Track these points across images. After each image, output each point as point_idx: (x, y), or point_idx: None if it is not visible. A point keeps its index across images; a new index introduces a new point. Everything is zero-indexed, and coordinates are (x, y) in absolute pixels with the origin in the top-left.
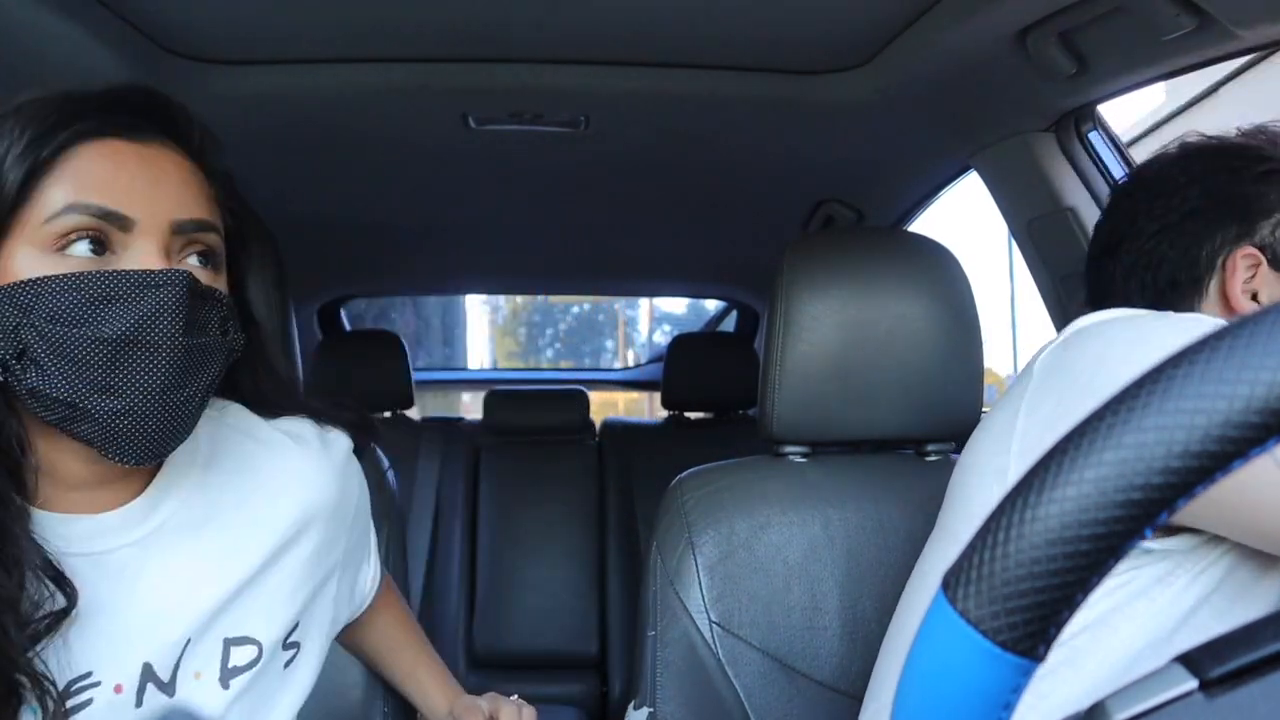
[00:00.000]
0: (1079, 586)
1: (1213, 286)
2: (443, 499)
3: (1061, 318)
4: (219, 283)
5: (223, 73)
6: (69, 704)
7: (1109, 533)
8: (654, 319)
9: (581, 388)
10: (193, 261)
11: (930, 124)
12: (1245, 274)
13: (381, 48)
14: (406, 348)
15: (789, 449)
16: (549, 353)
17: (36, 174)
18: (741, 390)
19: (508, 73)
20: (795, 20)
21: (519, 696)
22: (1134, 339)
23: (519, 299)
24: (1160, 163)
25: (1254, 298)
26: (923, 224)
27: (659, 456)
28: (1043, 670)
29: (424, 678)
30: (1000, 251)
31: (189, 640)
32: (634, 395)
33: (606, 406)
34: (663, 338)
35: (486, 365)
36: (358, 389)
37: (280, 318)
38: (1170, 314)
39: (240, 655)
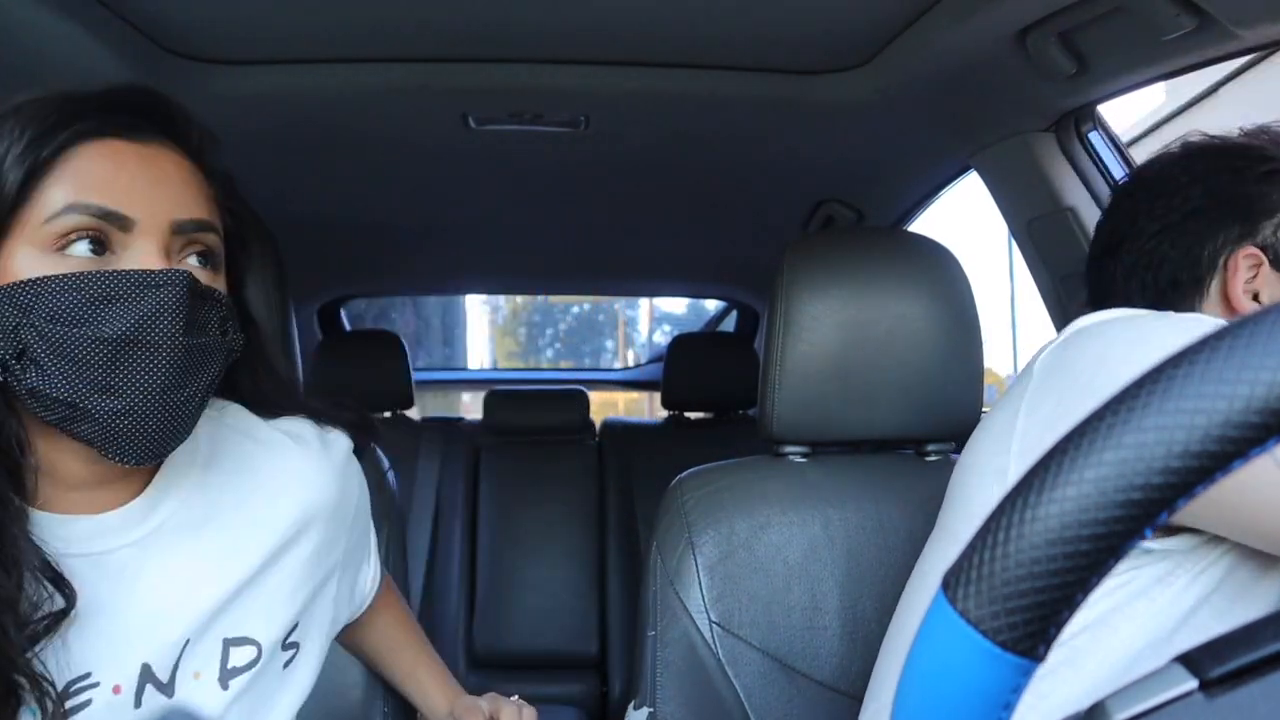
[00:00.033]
0: (1079, 586)
1: (1214, 286)
2: (443, 499)
3: (1061, 318)
4: (218, 283)
5: (223, 73)
6: (68, 705)
7: (1109, 533)
8: (654, 319)
9: (581, 388)
10: (192, 261)
11: (930, 124)
12: (1247, 274)
13: (381, 48)
14: (406, 348)
15: (789, 449)
16: (549, 353)
17: (36, 174)
18: (741, 390)
19: (508, 73)
20: (795, 20)
21: (519, 696)
22: (1134, 339)
23: (519, 299)
24: (1162, 162)
25: (1255, 298)
26: (923, 224)
27: (659, 456)
28: (1043, 670)
29: (424, 678)
30: (1000, 251)
31: (188, 640)
32: (634, 395)
33: (606, 406)
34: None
35: (486, 365)
36: (358, 389)
37: (280, 318)
38: (1170, 314)
39: (239, 655)
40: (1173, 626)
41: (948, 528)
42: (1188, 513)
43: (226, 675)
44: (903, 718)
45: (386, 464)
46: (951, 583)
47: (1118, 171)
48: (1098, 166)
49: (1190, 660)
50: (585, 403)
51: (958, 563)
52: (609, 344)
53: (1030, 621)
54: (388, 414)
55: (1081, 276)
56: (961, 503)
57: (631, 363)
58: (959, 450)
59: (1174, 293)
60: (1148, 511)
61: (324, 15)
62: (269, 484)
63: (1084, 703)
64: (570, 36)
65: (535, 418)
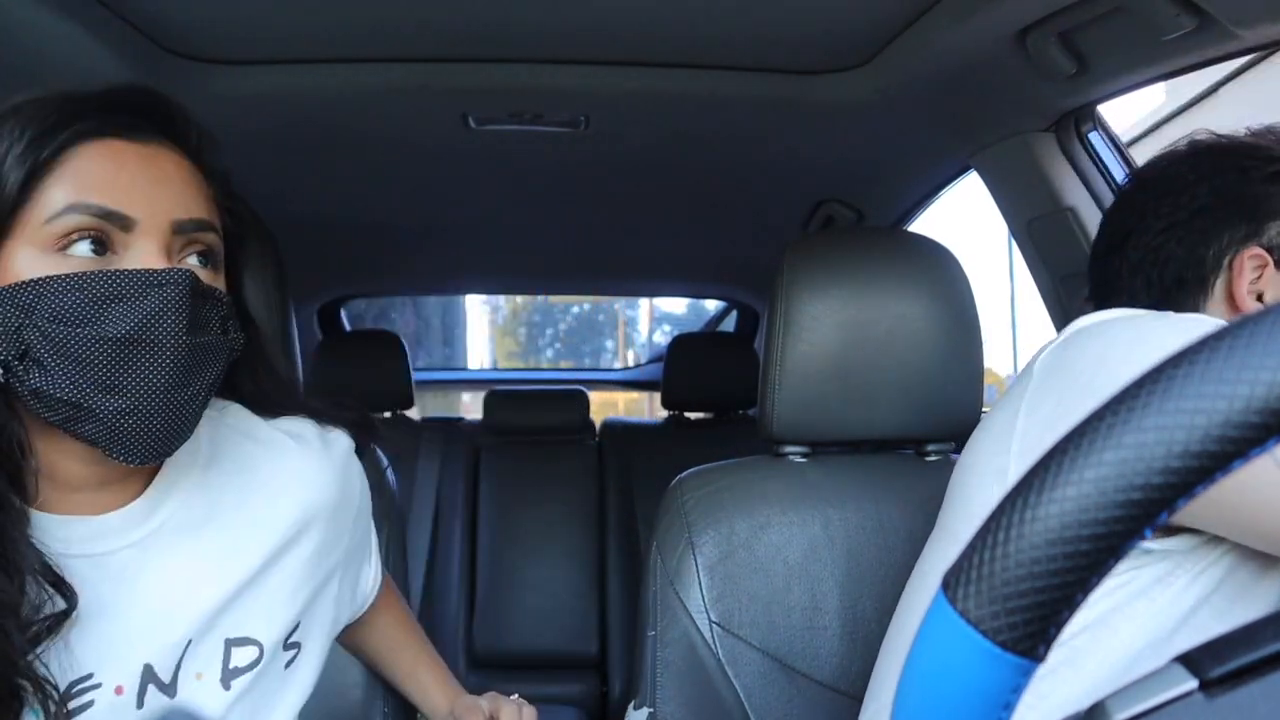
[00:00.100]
0: (1079, 587)
1: (1219, 286)
2: (443, 499)
3: (1061, 318)
4: (218, 282)
5: (223, 73)
6: (70, 706)
7: (1109, 533)
8: (654, 319)
9: (581, 388)
10: (193, 261)
11: (930, 124)
12: (1252, 274)
13: (381, 48)
14: (406, 348)
15: (789, 449)
16: (549, 353)
17: (37, 174)
18: (741, 390)
19: (508, 73)
20: (795, 20)
21: (519, 696)
22: (1134, 339)
23: (519, 299)
24: (1169, 160)
25: (1259, 298)
26: (923, 224)
27: (659, 456)
28: (1043, 670)
29: (424, 677)
30: (1000, 251)
31: (190, 641)
32: (634, 395)
33: (606, 406)
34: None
35: (486, 365)
36: (358, 389)
37: (280, 318)
38: (1170, 314)
39: (241, 656)
40: (1173, 627)
41: (948, 528)
42: (1188, 513)
43: (228, 675)
44: (903, 717)
45: (386, 464)
46: (951, 583)
47: (1118, 171)
48: (1098, 166)
49: (1190, 660)
50: (585, 403)
51: (958, 563)
52: (609, 344)
53: (1030, 621)
54: (388, 414)
55: (1082, 276)
56: (961, 503)
57: (631, 363)
58: (959, 450)
59: (1179, 291)
60: (1148, 511)
61: (324, 15)
62: (270, 484)
63: (1084, 703)
64: (570, 36)
65: (535, 418)
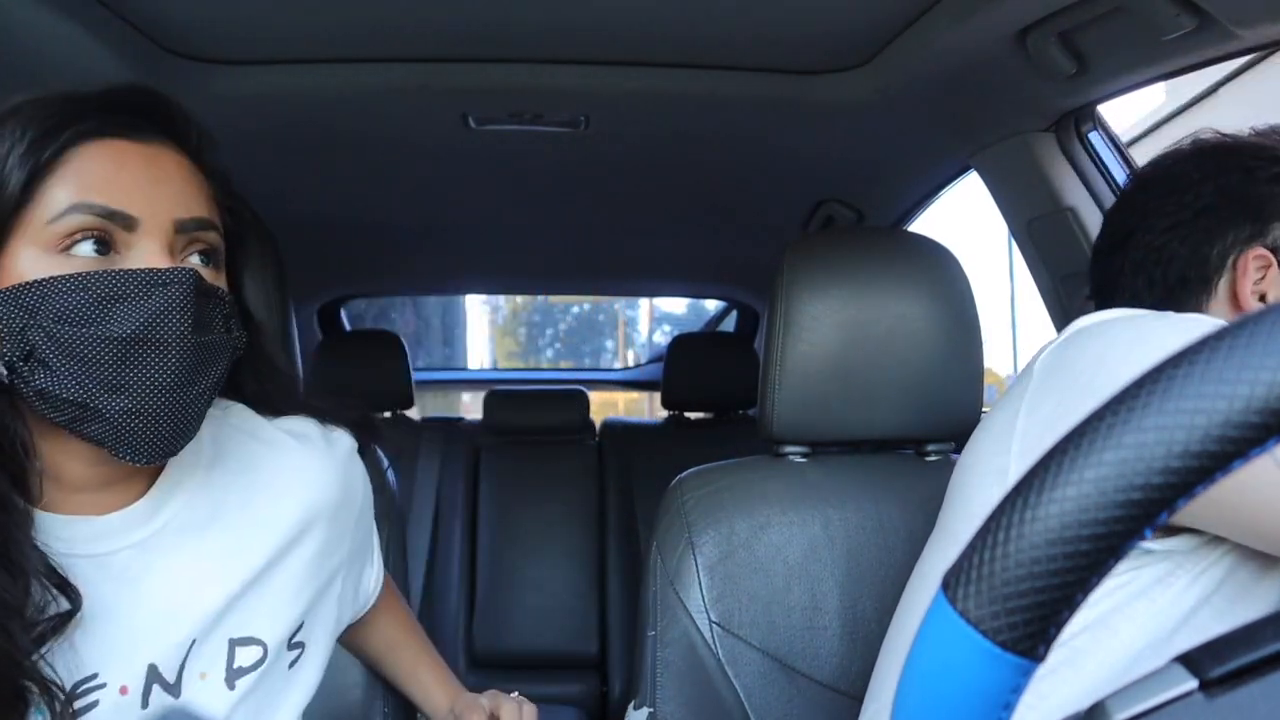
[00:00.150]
0: (1079, 587)
1: (1222, 286)
2: (443, 499)
3: (1061, 318)
4: (220, 281)
5: (223, 73)
6: (75, 706)
7: (1109, 533)
8: (654, 319)
9: (581, 388)
10: (195, 260)
11: (930, 124)
12: (1255, 275)
13: (381, 48)
14: (406, 348)
15: (789, 449)
16: (549, 353)
17: (39, 175)
18: (741, 390)
19: (508, 73)
20: (795, 20)
21: (519, 694)
22: (1134, 339)
23: (519, 299)
24: (1174, 159)
25: (1262, 299)
26: (923, 224)
27: (659, 456)
28: (1043, 670)
29: (425, 677)
30: (1000, 251)
31: (194, 641)
32: (634, 395)
33: (606, 406)
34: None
35: (486, 365)
36: (358, 389)
37: (280, 318)
38: (1170, 314)
39: (245, 656)
40: (1173, 627)
41: (948, 528)
42: (1188, 513)
43: (232, 675)
44: (902, 718)
45: (386, 464)
46: (951, 583)
47: (1118, 172)
48: (1098, 166)
49: (1190, 660)
50: (585, 403)
51: (958, 563)
52: (609, 344)
53: (1030, 622)
54: (388, 414)
55: (1082, 276)
56: (961, 503)
57: (631, 363)
58: (959, 450)
59: (1182, 290)
60: (1148, 512)
61: (324, 15)
62: (273, 483)
63: (1084, 703)
64: (570, 36)
65: (535, 418)
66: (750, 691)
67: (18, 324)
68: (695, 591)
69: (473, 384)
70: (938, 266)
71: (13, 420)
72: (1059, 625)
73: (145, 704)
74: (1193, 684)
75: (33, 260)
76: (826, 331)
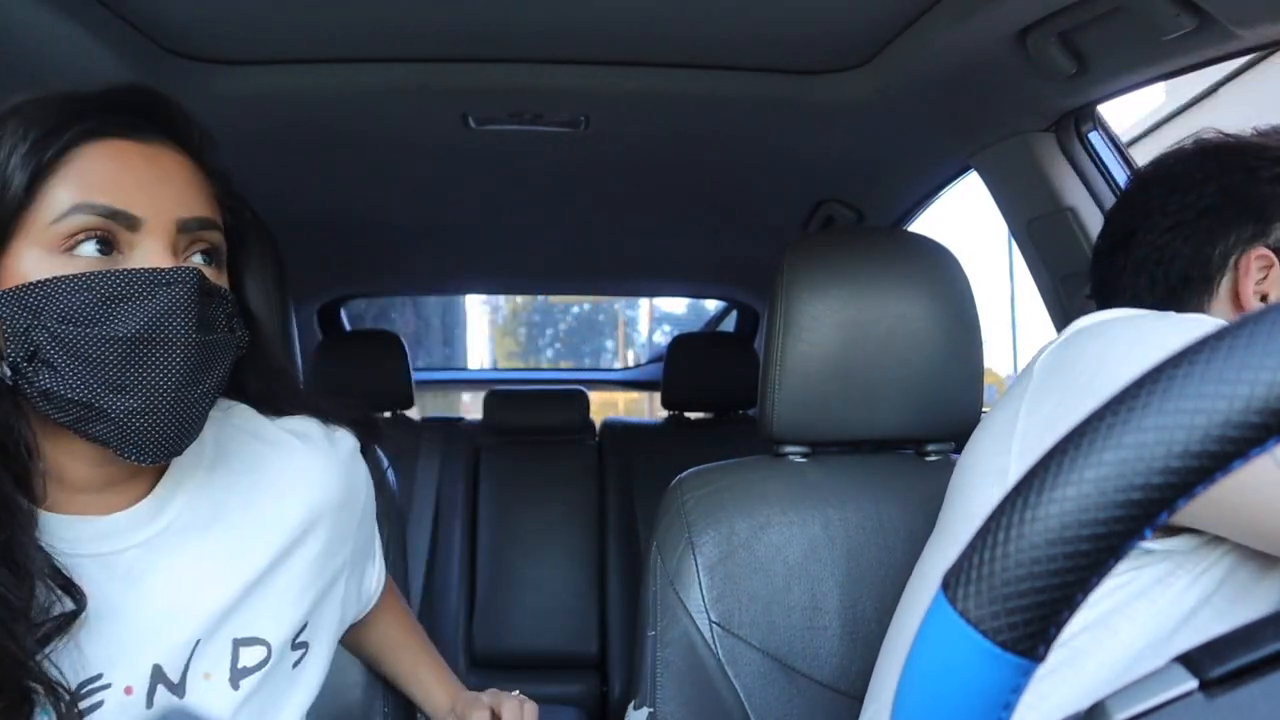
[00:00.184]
0: (1079, 587)
1: (1224, 286)
2: (443, 499)
3: (1061, 318)
4: (221, 280)
5: (223, 73)
6: (80, 706)
7: (1109, 533)
8: (654, 319)
9: (581, 388)
10: (197, 260)
11: (930, 124)
12: (1258, 275)
13: (381, 48)
14: (406, 348)
15: (789, 449)
16: (549, 353)
17: (41, 175)
18: (741, 390)
19: (508, 73)
20: (795, 20)
21: (520, 693)
22: (1134, 339)
23: (519, 299)
24: (1176, 159)
25: (1264, 299)
26: (923, 224)
27: (659, 456)
28: (1043, 670)
29: (426, 676)
30: (1000, 251)
31: (198, 641)
32: (634, 395)
33: (606, 406)
34: (663, 338)
35: (486, 365)
36: (358, 389)
37: (280, 318)
38: (1171, 314)
39: (249, 656)
40: (1173, 627)
41: (948, 528)
42: (1188, 513)
43: (237, 675)
44: (902, 718)
45: (386, 464)
46: (951, 583)
47: (1118, 172)
48: (1098, 166)
49: (1190, 660)
50: (585, 403)
51: (958, 563)
52: (609, 344)
53: (1030, 622)
54: (388, 414)
55: (1082, 276)
56: (961, 503)
57: (631, 363)
58: (959, 450)
59: (1184, 290)
60: (1148, 512)
61: (324, 15)
62: (276, 483)
63: (1084, 703)
64: (570, 36)
65: (535, 418)
66: (750, 691)
67: (21, 324)
68: (695, 591)
69: (473, 384)
70: (938, 266)
71: (16, 421)
72: (1059, 625)
73: (150, 704)
74: (1193, 684)
75: (36, 261)
76: (826, 331)
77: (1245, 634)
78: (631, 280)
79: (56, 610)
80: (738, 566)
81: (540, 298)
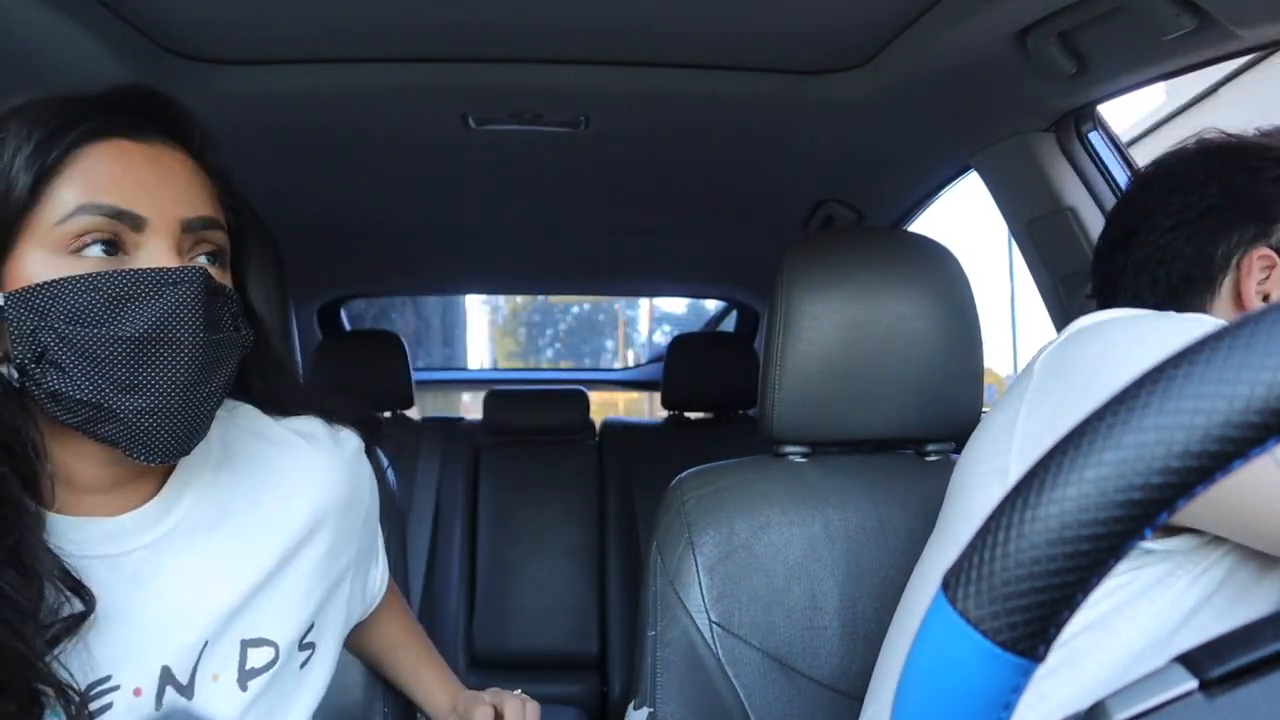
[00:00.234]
0: (1079, 587)
1: (1226, 286)
2: (443, 499)
3: (1061, 318)
4: (226, 280)
5: (223, 73)
6: (90, 708)
7: (1109, 533)
8: (654, 319)
9: (581, 388)
10: (202, 259)
11: (930, 124)
12: (1260, 275)
13: (381, 48)
14: (406, 348)
15: (789, 449)
16: (549, 353)
17: (45, 176)
18: (741, 390)
19: (508, 73)
20: (795, 20)
21: (522, 692)
22: (1134, 339)
23: (519, 299)
24: (1179, 158)
25: (1266, 299)
26: (923, 224)
27: (659, 456)
28: (1043, 670)
29: (426, 676)
30: (1000, 251)
31: (206, 642)
32: (634, 395)
33: (606, 406)
34: (663, 338)
35: (486, 365)
36: (358, 389)
37: (280, 318)
38: (1171, 314)
39: (257, 657)
40: (1173, 627)
41: (948, 528)
42: (1188, 513)
43: (245, 676)
44: (902, 717)
45: (386, 464)
46: (951, 583)
47: (1118, 172)
48: (1098, 166)
49: (1190, 660)
50: (585, 403)
51: (958, 563)
52: (609, 344)
53: (1030, 621)
54: (388, 414)
55: (1082, 276)
56: (961, 503)
57: (631, 363)
58: (959, 450)
59: (1186, 290)
60: (1148, 512)
61: (324, 15)
62: (282, 484)
63: (1084, 703)
64: (570, 36)
65: (535, 418)
66: (750, 691)
67: (29, 326)
68: (695, 591)
69: (473, 384)
70: (938, 266)
71: (24, 423)
72: (1059, 625)
73: (159, 705)
74: (1193, 684)
75: (42, 262)
76: (826, 331)
77: (1245, 634)
78: (631, 280)
79: (65, 612)
80: (738, 566)
81: (540, 298)
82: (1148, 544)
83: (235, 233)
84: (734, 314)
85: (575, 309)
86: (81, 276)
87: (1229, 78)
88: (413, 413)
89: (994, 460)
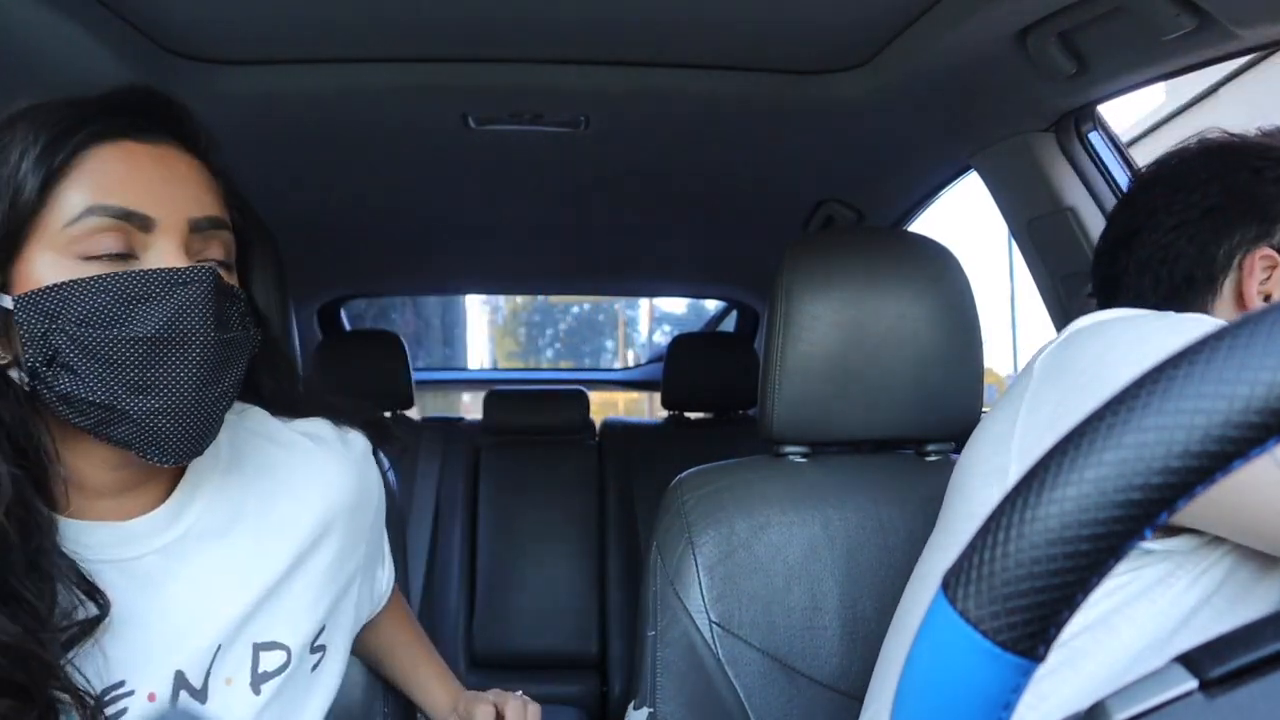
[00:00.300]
0: (1079, 587)
1: (1228, 286)
2: (443, 499)
3: (1061, 318)
4: (233, 279)
5: (224, 73)
6: (105, 713)
7: (1109, 533)
8: (654, 319)
9: (581, 388)
10: (210, 259)
11: (930, 124)
12: (1262, 275)
13: (381, 47)
14: (406, 348)
15: (789, 449)
16: (549, 353)
17: (53, 179)
18: (741, 390)
19: (508, 73)
20: (795, 20)
21: (523, 693)
22: (1134, 339)
23: (519, 299)
24: (1180, 158)
25: (1268, 299)
26: (923, 224)
27: (659, 456)
28: (1043, 670)
29: (427, 677)
30: (1000, 251)
31: (219, 646)
32: (634, 395)
33: (606, 406)
34: (663, 338)
35: (486, 365)
36: (358, 389)
37: (280, 318)
38: (1171, 314)
39: (270, 660)
40: (1173, 628)
41: (948, 528)
42: (1188, 513)
43: (258, 680)
44: (902, 717)
45: (386, 464)
46: (951, 583)
47: (1118, 172)
48: (1098, 166)
49: (1190, 660)
50: (585, 403)
51: (958, 563)
52: (609, 344)
53: (1030, 621)
54: (388, 414)
55: (1082, 276)
56: (961, 503)
57: (631, 363)
58: (959, 450)
59: (1187, 290)
60: (1148, 512)
61: (324, 15)
62: (292, 487)
63: (1084, 703)
64: (570, 36)
65: (535, 418)
66: (750, 691)
67: (39, 329)
68: (695, 591)
69: (473, 384)
70: (938, 266)
71: (35, 426)
72: (1059, 625)
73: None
74: (1193, 684)
75: (51, 264)
76: (826, 331)
77: (1245, 634)
78: (631, 280)
79: (79, 616)
80: (737, 566)
81: (540, 298)
82: (1148, 544)
83: (239, 233)
84: (734, 314)
85: (575, 309)
86: (91, 278)
87: (1229, 78)
88: (413, 413)
89: (994, 460)
